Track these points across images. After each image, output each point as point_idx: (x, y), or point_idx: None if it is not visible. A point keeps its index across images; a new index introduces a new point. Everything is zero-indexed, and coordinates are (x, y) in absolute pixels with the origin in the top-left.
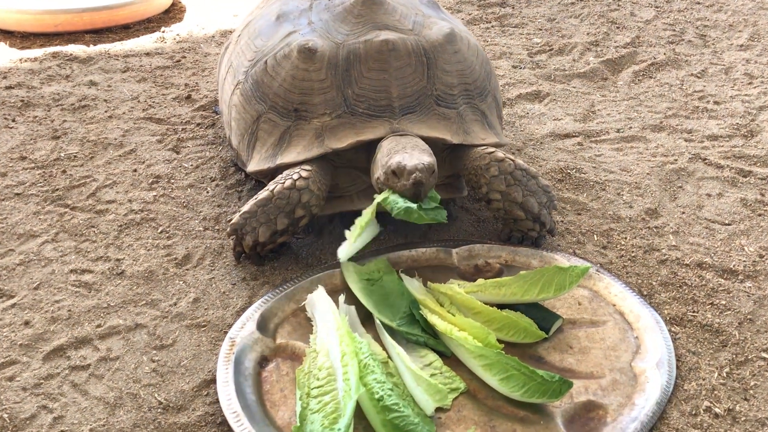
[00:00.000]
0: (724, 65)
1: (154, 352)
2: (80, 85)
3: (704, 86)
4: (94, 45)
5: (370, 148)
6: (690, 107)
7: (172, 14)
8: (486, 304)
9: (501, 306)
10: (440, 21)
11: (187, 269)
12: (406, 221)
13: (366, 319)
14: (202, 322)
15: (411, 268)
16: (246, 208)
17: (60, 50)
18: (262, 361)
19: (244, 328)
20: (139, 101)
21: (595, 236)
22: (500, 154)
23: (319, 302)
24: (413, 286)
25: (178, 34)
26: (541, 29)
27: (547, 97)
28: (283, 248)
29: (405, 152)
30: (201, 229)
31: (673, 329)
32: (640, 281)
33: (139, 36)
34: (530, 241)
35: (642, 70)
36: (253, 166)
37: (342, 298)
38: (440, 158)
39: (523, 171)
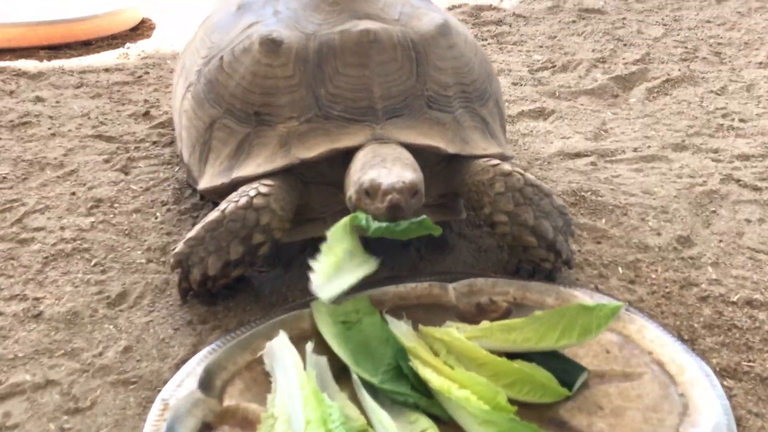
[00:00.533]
0: (744, 82)
1: (66, 417)
2: (24, 101)
3: (726, 103)
4: (48, 61)
5: (347, 159)
6: (713, 125)
7: (140, 31)
8: (493, 352)
9: (512, 356)
10: (432, 12)
11: (120, 310)
12: (389, 241)
13: (341, 373)
14: (132, 378)
15: (398, 307)
16: (192, 233)
17: (7, 65)
18: (204, 430)
19: (182, 387)
20: (89, 118)
21: (619, 268)
22: (507, 167)
23: (280, 352)
24: (400, 330)
25: (143, 50)
26: (541, 46)
27: (553, 114)
28: (239, 284)
29: (383, 166)
30: (143, 261)
31: (726, 383)
32: (678, 323)
33: (99, 52)
34: (543, 275)
35: (656, 87)
36: (204, 183)
37: (310, 346)
38: (433, 173)
39: (535, 188)
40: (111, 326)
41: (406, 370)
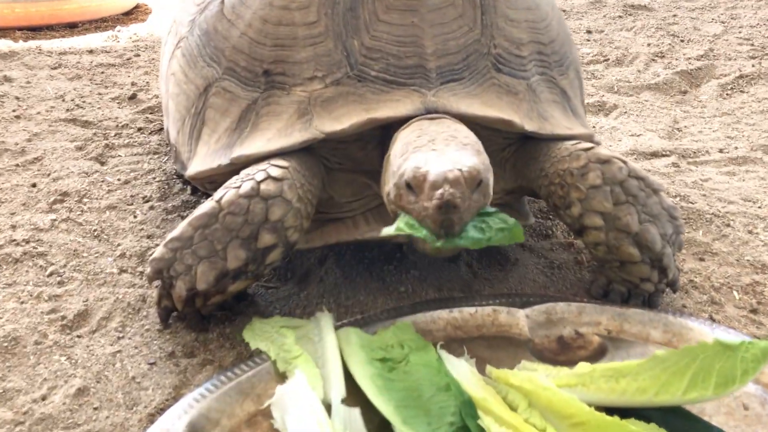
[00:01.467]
0: None
1: None
2: None
3: None
4: (25, 41)
5: (386, 138)
6: None
7: (134, 15)
8: (594, 407)
9: (622, 412)
10: None
11: (78, 336)
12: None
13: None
14: None
15: (452, 340)
16: (176, 232)
17: None
18: None
19: None
20: (63, 100)
21: (735, 293)
22: (604, 151)
23: (294, 401)
24: (463, 372)
25: (135, 34)
26: (588, 40)
27: (615, 109)
28: (240, 303)
29: (431, 148)
30: (114, 271)
31: None
32: None
33: (86, 34)
34: (640, 299)
35: (729, 84)
36: (195, 167)
37: (337, 393)
38: (497, 162)
39: (641, 181)
40: (63, 358)
41: None
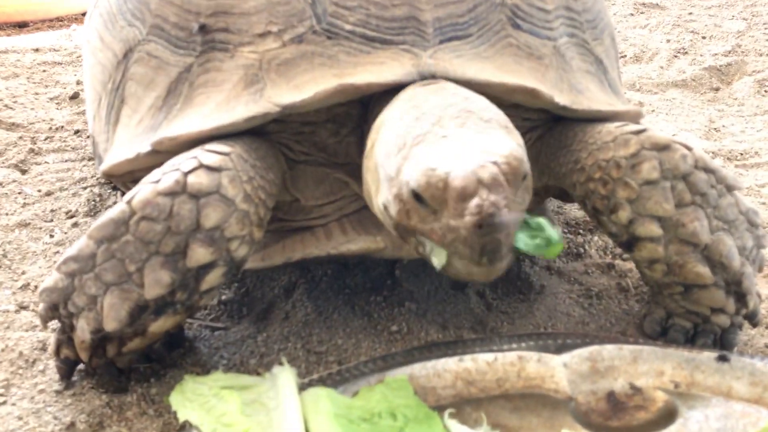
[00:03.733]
0: None
1: None
2: None
3: None
4: None
5: (367, 116)
6: None
7: None
8: None
9: None
10: None
11: None
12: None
13: None
14: None
15: (466, 400)
16: (73, 249)
17: None
18: None
19: None
20: None
21: None
22: (661, 135)
23: None
24: None
25: None
26: None
27: (641, 107)
28: (173, 351)
29: (441, 134)
30: (11, 308)
31: None
32: None
33: (35, 32)
34: (710, 337)
35: (766, 80)
36: (110, 158)
37: None
38: None
39: (712, 175)
40: None
41: None
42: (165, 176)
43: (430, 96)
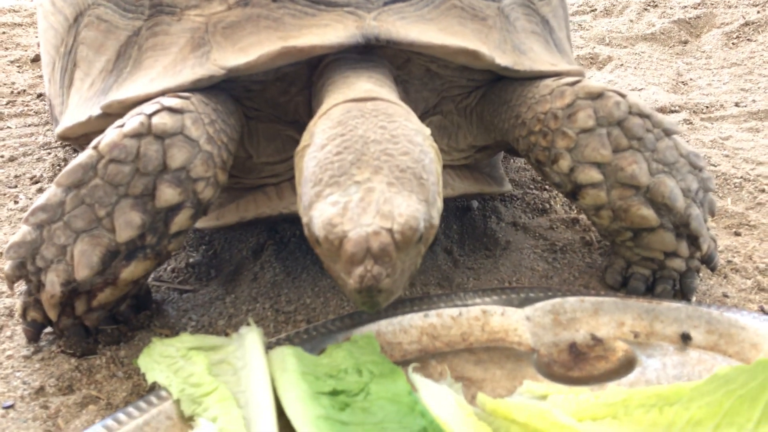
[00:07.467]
0: None
1: None
2: None
3: None
4: None
5: (316, 73)
6: None
7: None
8: None
9: None
10: None
11: None
12: None
13: None
14: None
15: (431, 354)
16: (41, 199)
17: None
18: None
19: None
20: None
21: None
22: (595, 84)
23: None
24: (445, 405)
25: None
26: None
27: (610, 62)
28: (141, 313)
29: (354, 179)
30: None
31: None
32: None
33: None
34: (670, 284)
35: (734, 32)
36: (64, 122)
37: None
38: (461, 109)
39: (647, 119)
40: None
41: None
42: (130, 120)
43: (359, 124)
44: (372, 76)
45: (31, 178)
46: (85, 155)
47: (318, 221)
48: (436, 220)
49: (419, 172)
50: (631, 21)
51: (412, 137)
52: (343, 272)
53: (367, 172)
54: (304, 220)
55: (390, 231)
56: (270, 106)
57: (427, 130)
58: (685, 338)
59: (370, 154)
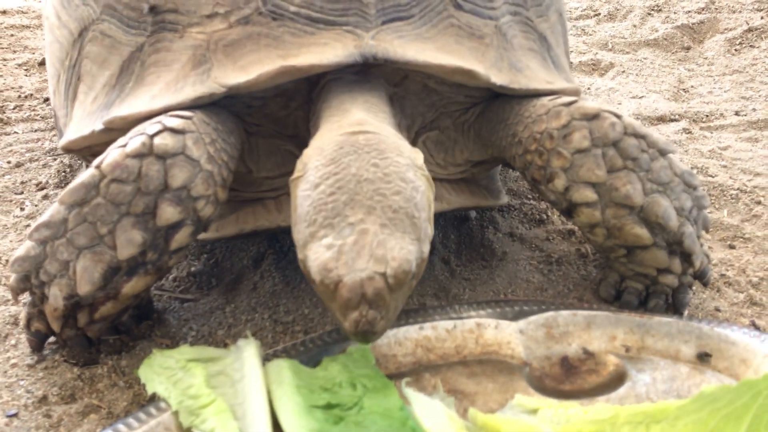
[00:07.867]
0: None
1: None
2: None
3: None
4: None
5: (315, 89)
6: None
7: None
8: None
9: None
10: None
11: None
12: None
13: None
14: None
15: (425, 366)
16: (45, 216)
17: None
18: None
19: None
20: None
21: None
22: (590, 104)
23: None
24: (437, 421)
25: None
26: None
27: (611, 68)
28: (142, 323)
29: (348, 221)
30: None
31: None
32: None
33: None
34: (662, 298)
35: (737, 39)
36: (68, 134)
37: None
38: (458, 126)
39: (642, 140)
40: None
41: None
42: (132, 140)
43: (352, 161)
44: (368, 101)
45: (37, 185)
46: (87, 174)
47: (314, 264)
48: (427, 253)
49: (411, 211)
50: (635, 26)
51: (404, 174)
52: (339, 313)
53: (360, 213)
54: (300, 256)
55: (383, 275)
56: (270, 120)
57: (420, 157)
58: (703, 357)
59: (363, 193)
